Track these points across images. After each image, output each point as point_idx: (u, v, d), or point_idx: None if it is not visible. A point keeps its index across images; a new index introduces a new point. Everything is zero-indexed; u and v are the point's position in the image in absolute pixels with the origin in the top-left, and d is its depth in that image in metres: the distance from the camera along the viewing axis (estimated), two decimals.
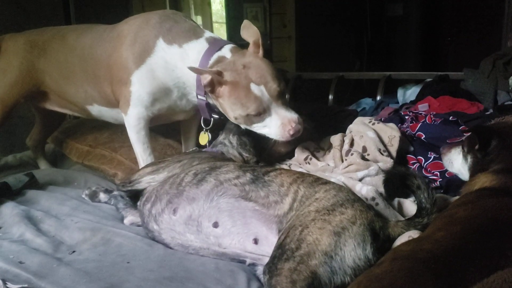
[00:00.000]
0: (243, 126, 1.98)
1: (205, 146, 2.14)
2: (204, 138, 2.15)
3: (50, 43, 2.32)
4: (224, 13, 5.81)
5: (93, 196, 2.03)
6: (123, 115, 2.13)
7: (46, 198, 2.02)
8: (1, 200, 1.94)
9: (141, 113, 2.10)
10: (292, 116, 1.90)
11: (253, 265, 1.48)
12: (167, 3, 4.82)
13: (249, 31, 2.02)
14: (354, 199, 1.41)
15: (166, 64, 2.01)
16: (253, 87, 1.86)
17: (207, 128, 2.13)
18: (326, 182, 1.51)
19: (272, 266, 1.24)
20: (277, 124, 1.89)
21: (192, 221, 1.53)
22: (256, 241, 1.44)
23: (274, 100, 1.88)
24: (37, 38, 2.34)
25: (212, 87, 1.88)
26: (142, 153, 2.14)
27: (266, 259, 1.35)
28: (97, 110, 2.31)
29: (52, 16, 2.94)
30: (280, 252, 1.26)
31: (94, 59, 2.18)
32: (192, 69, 1.84)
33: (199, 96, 2.02)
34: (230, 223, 1.47)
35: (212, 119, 2.09)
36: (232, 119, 1.96)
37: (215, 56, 1.96)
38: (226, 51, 1.98)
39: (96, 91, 2.22)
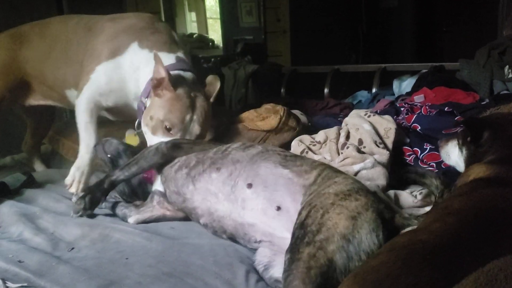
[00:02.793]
0: (145, 129, 1.99)
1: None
2: (133, 139, 2.21)
3: (32, 30, 2.41)
4: (218, 9, 5.80)
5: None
6: (77, 100, 2.17)
7: (43, 197, 2.04)
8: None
9: (94, 98, 2.16)
10: None
11: (260, 241, 1.50)
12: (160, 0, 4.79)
13: (213, 85, 2.15)
14: (368, 190, 1.46)
15: (131, 65, 2.12)
16: (189, 113, 1.96)
17: (138, 131, 2.13)
18: (346, 174, 1.58)
19: (295, 247, 1.27)
20: None
21: (230, 180, 1.58)
22: (279, 209, 1.48)
23: (187, 135, 1.97)
24: (18, 30, 2.43)
25: (159, 85, 1.93)
26: (83, 132, 2.15)
27: (276, 236, 1.44)
28: (74, 95, 2.31)
29: (46, 16, 2.93)
30: (303, 233, 1.29)
31: (76, 44, 2.26)
32: (156, 55, 1.91)
33: (142, 99, 2.07)
34: (262, 187, 1.52)
35: None
36: (145, 118, 1.98)
37: (176, 72, 2.05)
38: (189, 76, 2.09)
39: (72, 75, 2.27)
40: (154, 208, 1.80)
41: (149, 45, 2.11)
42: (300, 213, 1.38)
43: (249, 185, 1.54)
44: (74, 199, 1.88)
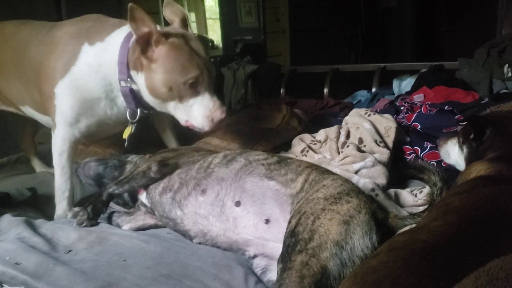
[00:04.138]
0: (171, 106, 1.81)
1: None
2: (127, 130, 1.98)
3: None
4: (217, 9, 5.80)
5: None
6: (52, 134, 1.98)
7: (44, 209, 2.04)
8: (1, 211, 1.91)
9: (66, 133, 1.93)
10: (219, 103, 1.79)
11: (253, 257, 1.49)
12: (159, 0, 4.78)
13: (173, 9, 1.86)
14: (359, 190, 1.44)
15: (89, 68, 1.84)
16: (197, 58, 1.73)
17: (133, 121, 1.94)
18: (335, 174, 1.55)
19: (286, 256, 1.25)
20: (208, 108, 1.78)
21: (218, 201, 1.55)
22: (267, 221, 1.46)
23: (210, 81, 1.78)
24: None
25: (145, 44, 1.70)
26: (58, 178, 1.96)
27: (269, 247, 1.41)
28: (30, 112, 2.15)
29: (44, 18, 2.93)
30: (294, 241, 1.27)
31: (27, 59, 2.02)
32: (132, 8, 1.62)
33: (122, 83, 1.83)
34: (250, 202, 1.50)
35: (138, 110, 1.91)
36: (161, 93, 1.76)
37: None
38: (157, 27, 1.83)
39: (27, 92, 2.06)
40: (145, 216, 1.79)
41: (98, 37, 1.85)
42: (289, 222, 1.35)
43: (238, 203, 1.51)
44: (69, 215, 1.82)
